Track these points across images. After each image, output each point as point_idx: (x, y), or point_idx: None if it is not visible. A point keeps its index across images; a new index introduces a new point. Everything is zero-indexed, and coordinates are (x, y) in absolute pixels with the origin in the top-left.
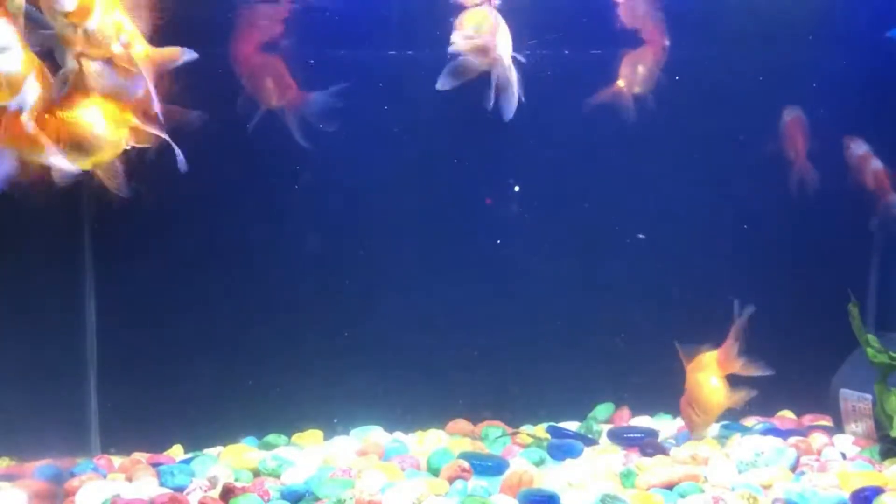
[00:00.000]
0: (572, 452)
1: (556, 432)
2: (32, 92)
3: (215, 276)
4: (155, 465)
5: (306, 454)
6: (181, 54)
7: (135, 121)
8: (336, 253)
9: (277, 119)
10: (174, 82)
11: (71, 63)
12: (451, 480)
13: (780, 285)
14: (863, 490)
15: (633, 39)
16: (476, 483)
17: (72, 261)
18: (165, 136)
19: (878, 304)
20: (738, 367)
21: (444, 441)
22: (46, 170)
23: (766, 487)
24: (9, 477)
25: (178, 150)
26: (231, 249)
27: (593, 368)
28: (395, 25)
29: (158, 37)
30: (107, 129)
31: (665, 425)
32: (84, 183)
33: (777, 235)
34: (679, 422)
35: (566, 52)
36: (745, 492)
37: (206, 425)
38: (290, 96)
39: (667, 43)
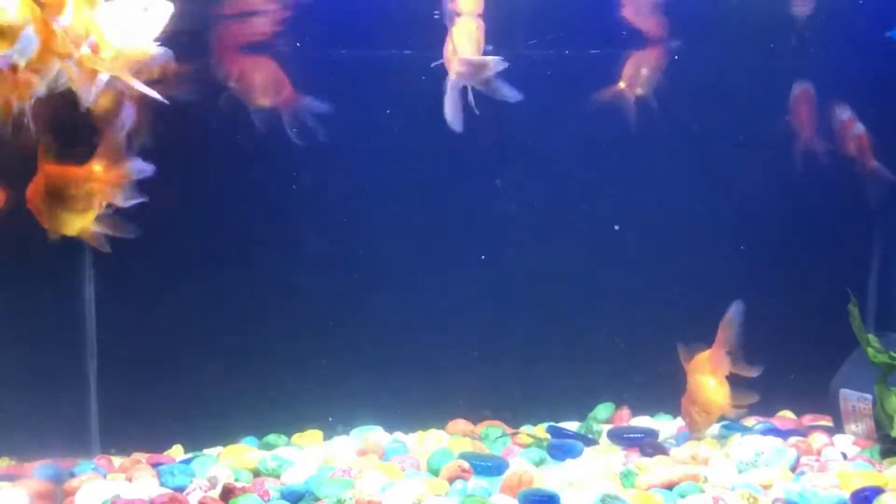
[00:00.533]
0: (572, 452)
1: (556, 432)
2: (30, 43)
3: (215, 276)
4: (155, 465)
5: (306, 454)
6: (155, 53)
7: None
8: (336, 253)
9: (277, 119)
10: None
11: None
12: (451, 480)
13: (780, 285)
14: (863, 490)
15: (637, 40)
16: (476, 483)
17: (72, 260)
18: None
19: (878, 304)
20: (730, 367)
21: (445, 441)
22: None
23: (766, 487)
24: (9, 477)
25: (155, 94)
26: (231, 249)
27: (593, 368)
28: (381, 25)
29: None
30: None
31: (665, 425)
32: None
33: (777, 235)
34: (679, 422)
35: (565, 52)
36: (745, 492)
37: (206, 425)
38: (284, 96)
39: (671, 44)
